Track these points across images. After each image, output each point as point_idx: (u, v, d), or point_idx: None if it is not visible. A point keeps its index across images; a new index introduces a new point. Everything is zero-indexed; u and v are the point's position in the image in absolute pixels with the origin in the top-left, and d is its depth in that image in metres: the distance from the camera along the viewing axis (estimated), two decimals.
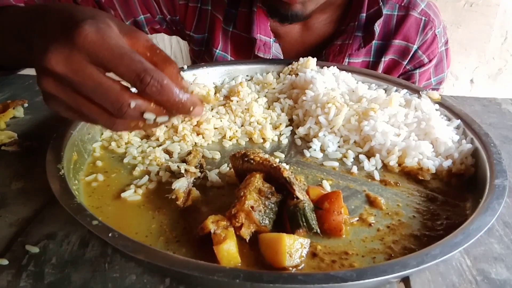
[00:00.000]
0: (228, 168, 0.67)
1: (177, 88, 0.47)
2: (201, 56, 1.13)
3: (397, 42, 1.03)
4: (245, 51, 1.05)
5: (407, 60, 1.05)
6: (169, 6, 1.04)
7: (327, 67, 0.89)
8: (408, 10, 1.02)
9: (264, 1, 0.98)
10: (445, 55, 1.10)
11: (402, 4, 1.03)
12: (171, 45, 2.19)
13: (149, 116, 0.48)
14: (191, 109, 0.49)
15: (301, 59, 0.93)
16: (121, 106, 0.46)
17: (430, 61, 1.06)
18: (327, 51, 1.03)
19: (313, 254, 0.51)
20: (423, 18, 1.02)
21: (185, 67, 0.91)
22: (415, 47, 1.04)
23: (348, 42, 1.02)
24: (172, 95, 0.47)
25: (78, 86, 0.46)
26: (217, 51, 1.07)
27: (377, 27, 0.99)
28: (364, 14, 1.00)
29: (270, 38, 1.02)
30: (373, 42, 1.01)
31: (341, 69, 0.89)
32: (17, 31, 0.61)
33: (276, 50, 1.04)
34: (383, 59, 1.05)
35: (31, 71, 1.07)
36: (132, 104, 0.46)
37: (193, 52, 1.16)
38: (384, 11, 1.00)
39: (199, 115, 0.50)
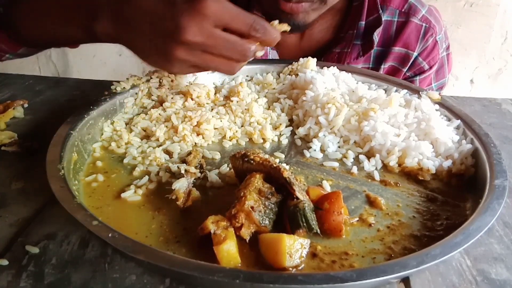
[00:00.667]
0: (228, 168, 0.67)
1: (274, 29, 0.65)
2: None
3: (397, 49, 1.02)
4: None
5: (407, 67, 1.04)
6: None
7: (327, 67, 0.89)
8: (408, 17, 1.01)
9: (264, 11, 0.97)
10: (446, 60, 1.09)
11: (403, 10, 1.01)
12: None
13: (259, 53, 0.66)
14: (279, 39, 0.67)
15: (301, 59, 0.93)
16: (247, 51, 0.63)
17: (430, 67, 1.05)
18: (325, 58, 1.02)
19: (313, 255, 0.51)
20: (424, 24, 1.01)
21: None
22: (415, 54, 1.02)
23: (347, 50, 1.01)
24: (271, 34, 0.64)
25: (210, 48, 0.61)
26: None
27: (376, 36, 0.98)
28: (363, 22, 0.99)
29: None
30: (373, 49, 1.01)
31: (341, 70, 0.89)
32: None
33: (273, 58, 1.04)
34: (382, 66, 1.04)
35: (31, 71, 1.07)
36: (252, 48, 0.64)
37: None
38: (384, 17, 0.99)
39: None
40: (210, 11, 0.58)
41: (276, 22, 0.68)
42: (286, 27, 0.70)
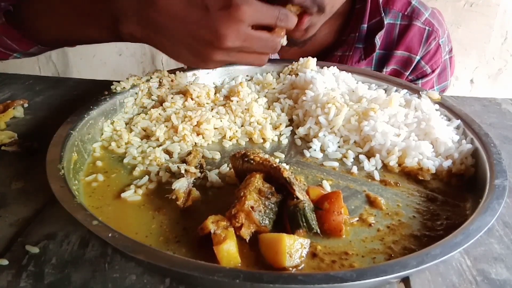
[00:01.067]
0: (228, 168, 0.67)
1: (293, 16, 0.70)
2: None
3: (400, 52, 1.01)
4: None
5: (409, 71, 1.03)
6: None
7: (327, 67, 0.89)
8: (411, 20, 1.00)
9: None
10: (449, 63, 1.08)
11: (405, 13, 1.00)
12: None
13: (284, 41, 0.73)
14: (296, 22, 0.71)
15: (301, 59, 0.93)
16: (277, 45, 0.70)
17: (433, 71, 1.04)
18: (327, 61, 1.02)
19: (313, 254, 0.51)
20: (427, 28, 1.00)
21: (185, 67, 0.91)
22: (417, 57, 1.01)
23: (349, 53, 1.00)
24: (292, 20, 0.70)
25: (246, 48, 0.66)
26: None
27: (378, 39, 0.97)
28: (365, 25, 0.98)
29: None
30: (375, 52, 1.00)
31: (341, 69, 0.89)
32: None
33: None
34: (385, 70, 1.03)
35: (31, 71, 1.07)
36: (281, 40, 0.70)
37: None
38: (387, 20, 0.98)
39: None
40: (246, 16, 0.61)
41: (290, 6, 0.72)
42: (297, 8, 0.74)
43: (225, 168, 0.68)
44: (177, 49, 0.67)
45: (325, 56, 1.03)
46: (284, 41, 0.74)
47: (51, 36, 0.80)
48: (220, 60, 0.66)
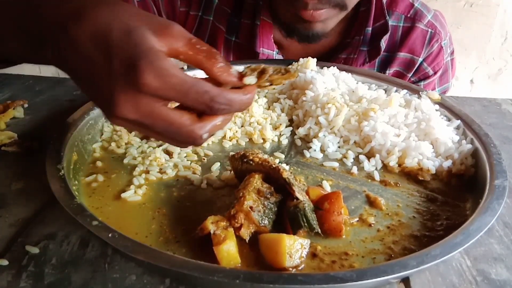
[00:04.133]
0: (227, 169, 0.67)
1: (239, 97, 0.48)
2: None
3: (402, 54, 1.02)
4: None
5: (411, 73, 1.04)
6: (169, 11, 1.03)
7: (327, 67, 0.89)
8: (414, 22, 1.00)
9: (281, 21, 0.96)
10: (450, 65, 1.09)
11: (408, 15, 1.01)
12: None
13: (220, 133, 0.55)
14: (251, 103, 0.51)
15: (301, 59, 0.93)
16: (194, 140, 0.48)
17: (435, 73, 1.05)
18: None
19: (313, 255, 0.51)
20: (430, 30, 1.00)
21: (185, 67, 0.91)
22: (420, 59, 1.02)
23: (353, 56, 1.00)
24: (238, 106, 0.48)
25: (149, 127, 0.47)
26: None
27: (383, 43, 0.98)
28: (370, 28, 0.98)
29: (273, 51, 1.01)
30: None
31: (341, 70, 0.89)
32: (14, 18, 0.56)
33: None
34: (387, 71, 1.03)
35: (31, 71, 1.07)
36: (204, 136, 0.48)
37: None
38: (390, 23, 0.98)
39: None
40: (147, 88, 0.44)
41: (248, 79, 0.50)
42: (263, 81, 0.51)
43: (224, 168, 0.68)
44: (84, 91, 0.52)
45: (329, 58, 1.03)
46: (255, 80, 0.50)
47: None
48: (123, 125, 0.50)
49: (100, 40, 0.46)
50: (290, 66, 0.93)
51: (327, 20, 0.86)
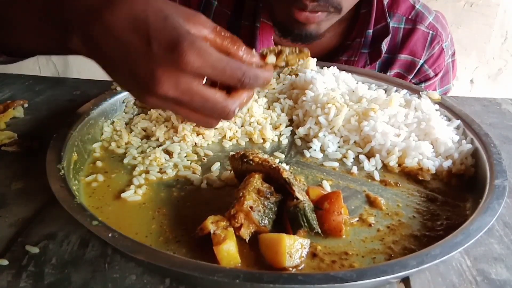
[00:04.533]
0: (227, 169, 0.67)
1: (262, 73, 0.54)
2: None
3: (403, 56, 1.01)
4: None
5: (412, 75, 1.03)
6: None
7: (327, 67, 0.89)
8: (415, 24, 1.00)
9: (275, 21, 0.96)
10: (451, 66, 1.08)
11: (409, 17, 1.00)
12: None
13: (245, 108, 0.59)
14: (271, 79, 0.57)
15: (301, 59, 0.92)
16: (228, 114, 0.53)
17: (436, 75, 1.04)
18: None
19: (313, 255, 0.51)
20: (431, 32, 1.00)
21: None
22: (421, 61, 1.02)
23: (354, 58, 1.00)
24: (264, 78, 0.54)
25: (187, 103, 0.51)
26: None
27: (385, 45, 0.97)
28: (371, 31, 0.98)
29: None
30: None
31: (341, 69, 0.89)
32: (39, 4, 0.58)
33: None
34: (388, 73, 1.03)
35: (31, 71, 1.07)
36: (236, 110, 0.54)
37: None
38: (391, 24, 0.97)
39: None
40: (190, 67, 0.48)
41: (270, 58, 0.58)
42: (280, 61, 0.59)
43: (225, 168, 0.68)
44: (117, 76, 0.55)
45: (329, 60, 1.02)
46: (280, 62, 0.59)
47: (8, 46, 0.69)
48: (157, 105, 0.53)
49: (138, 24, 0.49)
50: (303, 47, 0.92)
51: (321, 21, 0.85)
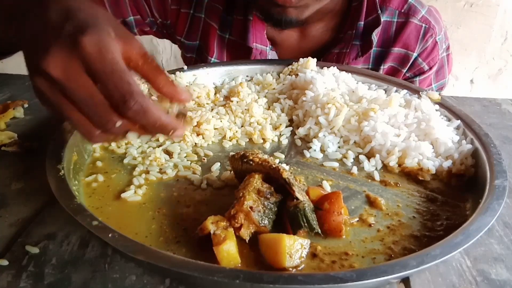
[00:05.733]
0: (227, 169, 0.67)
1: (159, 114, 0.48)
2: (192, 63, 1.11)
3: (397, 49, 1.02)
4: (242, 58, 1.03)
5: (406, 68, 1.04)
6: (160, 9, 1.03)
7: (327, 67, 0.89)
8: (408, 17, 1.00)
9: (258, 6, 0.96)
10: (446, 61, 1.09)
11: (402, 11, 1.01)
12: (171, 45, 2.19)
13: (132, 135, 0.50)
14: (171, 132, 0.50)
15: (301, 59, 0.93)
16: (107, 122, 0.47)
17: (430, 68, 1.05)
18: (324, 59, 1.02)
19: (313, 255, 0.51)
20: (424, 25, 1.00)
21: (185, 67, 0.91)
22: (415, 54, 1.02)
23: (346, 50, 1.00)
24: (153, 120, 0.48)
25: (70, 93, 0.46)
26: (212, 59, 1.05)
27: (375, 36, 0.98)
28: (362, 23, 0.98)
29: (267, 46, 1.01)
30: (372, 49, 1.00)
31: (341, 70, 0.89)
32: (6, 7, 0.59)
33: (272, 58, 1.03)
34: (382, 67, 1.03)
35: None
36: (118, 123, 0.47)
37: (184, 58, 1.15)
38: (384, 18, 0.98)
39: (180, 137, 0.52)
40: (83, 51, 0.44)
41: (173, 108, 0.52)
42: (182, 109, 0.53)
43: (225, 168, 0.68)
44: (25, 46, 0.51)
45: (322, 53, 1.03)
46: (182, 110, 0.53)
47: None
48: (42, 87, 0.47)
49: (67, 9, 0.48)
50: (289, 66, 0.93)
51: (302, 7, 0.85)
